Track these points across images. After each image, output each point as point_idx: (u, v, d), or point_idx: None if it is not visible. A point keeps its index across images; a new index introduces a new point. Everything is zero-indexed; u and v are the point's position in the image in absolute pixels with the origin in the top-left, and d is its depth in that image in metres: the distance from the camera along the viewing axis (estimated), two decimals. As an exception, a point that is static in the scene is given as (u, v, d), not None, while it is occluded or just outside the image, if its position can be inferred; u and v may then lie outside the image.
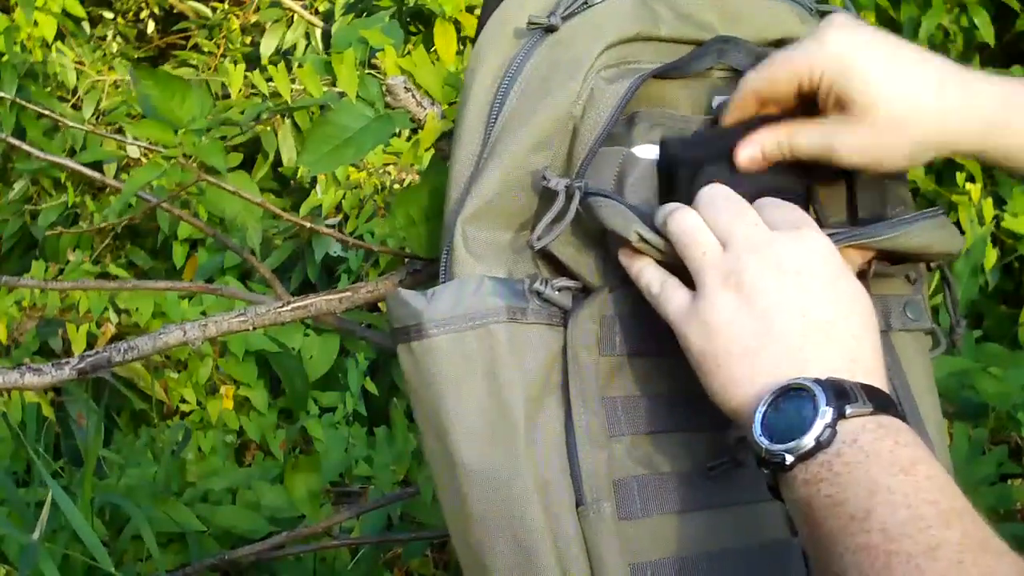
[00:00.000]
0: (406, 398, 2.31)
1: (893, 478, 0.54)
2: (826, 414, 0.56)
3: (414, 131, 0.85)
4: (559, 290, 0.66)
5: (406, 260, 0.86)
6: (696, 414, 0.67)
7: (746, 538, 0.68)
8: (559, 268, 0.68)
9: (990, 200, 1.92)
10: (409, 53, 0.86)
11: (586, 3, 0.70)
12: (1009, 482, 1.66)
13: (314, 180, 2.79)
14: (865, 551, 0.53)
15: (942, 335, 0.77)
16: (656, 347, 0.67)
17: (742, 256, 0.61)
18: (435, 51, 1.66)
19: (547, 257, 0.68)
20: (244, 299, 0.96)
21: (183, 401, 2.26)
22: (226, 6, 3.63)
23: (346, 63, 0.86)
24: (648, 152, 0.69)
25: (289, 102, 0.98)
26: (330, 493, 2.12)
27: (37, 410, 2.09)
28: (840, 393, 0.57)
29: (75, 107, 3.11)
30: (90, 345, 2.22)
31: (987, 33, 2.28)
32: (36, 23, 2.94)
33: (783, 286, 0.60)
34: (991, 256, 1.87)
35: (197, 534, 1.74)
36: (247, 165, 2.92)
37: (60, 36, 3.14)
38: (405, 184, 2.65)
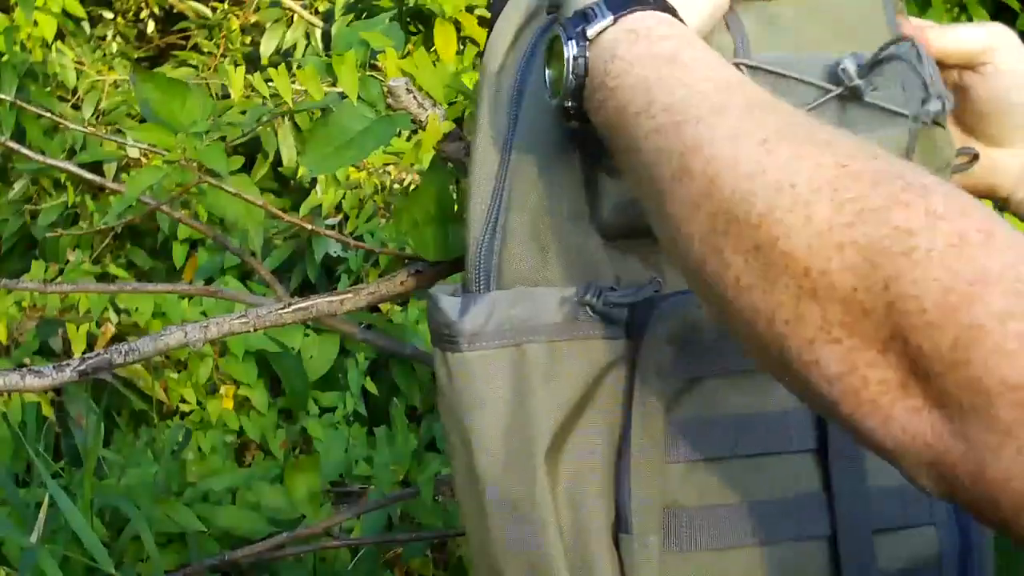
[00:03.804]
0: (406, 397, 2.31)
1: (659, 70, 0.54)
2: (571, 46, 0.57)
3: (414, 131, 0.85)
4: (614, 304, 0.62)
5: (406, 261, 0.86)
6: (767, 433, 0.64)
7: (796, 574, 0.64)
8: (629, 268, 0.65)
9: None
10: (409, 54, 0.86)
11: None
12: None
13: (314, 180, 2.78)
14: (656, 133, 0.53)
15: None
16: (727, 363, 0.63)
17: None
18: (435, 51, 1.66)
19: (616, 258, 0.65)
20: (244, 301, 0.96)
21: (183, 401, 2.26)
22: (226, 6, 3.62)
23: (347, 65, 0.85)
24: None
25: (290, 104, 0.97)
26: (330, 493, 2.12)
27: (37, 410, 2.09)
28: (580, 18, 0.57)
29: (75, 107, 3.10)
30: (90, 345, 2.21)
31: (987, 33, 2.27)
32: (36, 23, 2.93)
33: None
34: (991, 256, 1.86)
35: (197, 534, 1.74)
36: (247, 164, 2.92)
37: (60, 36, 3.14)
38: (405, 184, 2.65)
